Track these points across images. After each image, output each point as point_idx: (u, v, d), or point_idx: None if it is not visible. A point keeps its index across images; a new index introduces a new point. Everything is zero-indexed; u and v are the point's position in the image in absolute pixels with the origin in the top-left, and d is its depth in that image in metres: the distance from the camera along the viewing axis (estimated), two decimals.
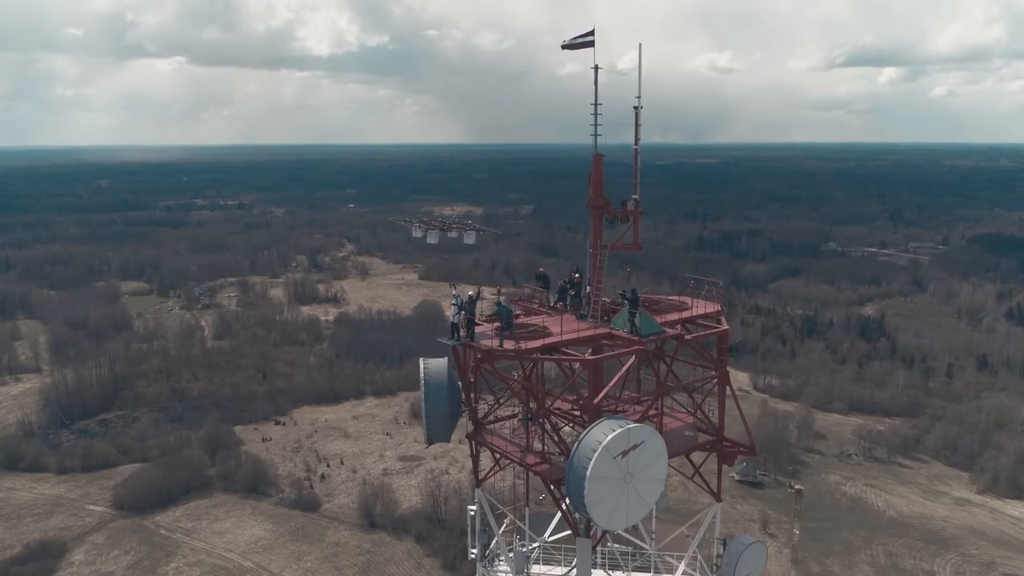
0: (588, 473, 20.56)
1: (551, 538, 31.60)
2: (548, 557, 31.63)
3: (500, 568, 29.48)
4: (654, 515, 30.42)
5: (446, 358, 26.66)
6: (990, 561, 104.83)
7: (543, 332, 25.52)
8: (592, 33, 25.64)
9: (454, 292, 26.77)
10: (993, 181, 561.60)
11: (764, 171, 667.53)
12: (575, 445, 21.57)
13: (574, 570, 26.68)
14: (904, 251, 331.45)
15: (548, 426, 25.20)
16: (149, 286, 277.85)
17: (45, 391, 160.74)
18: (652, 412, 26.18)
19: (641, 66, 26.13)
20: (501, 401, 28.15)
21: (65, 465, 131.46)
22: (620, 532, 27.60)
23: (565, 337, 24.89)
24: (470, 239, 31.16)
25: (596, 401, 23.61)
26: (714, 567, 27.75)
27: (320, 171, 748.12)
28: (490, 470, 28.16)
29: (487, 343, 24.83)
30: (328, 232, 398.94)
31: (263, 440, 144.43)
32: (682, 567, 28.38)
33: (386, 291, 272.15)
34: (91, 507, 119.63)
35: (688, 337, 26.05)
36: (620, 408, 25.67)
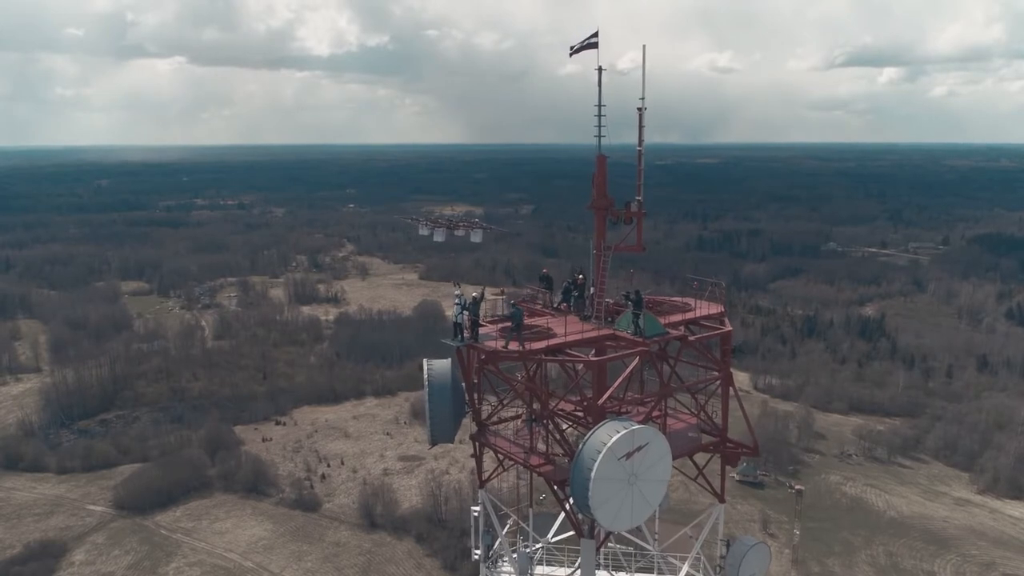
0: (593, 474, 20.58)
1: (554, 539, 31.59)
2: (551, 558, 31.62)
3: (503, 569, 29.50)
4: (657, 516, 30.44)
5: (450, 359, 26.66)
6: (990, 561, 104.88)
7: (547, 333, 25.53)
8: (596, 35, 25.66)
9: (457, 292, 26.74)
10: (993, 181, 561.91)
11: (764, 171, 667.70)
12: (580, 446, 21.58)
13: (578, 571, 26.69)
14: (904, 251, 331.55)
15: (552, 427, 25.20)
16: (149, 286, 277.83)
17: (45, 391, 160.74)
18: (656, 413, 26.19)
19: (643, 66, 26.11)
20: (504, 402, 28.15)
21: (65, 465, 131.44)
22: (623, 533, 27.60)
23: (569, 338, 24.90)
24: (477, 237, 31.16)
25: (600, 402, 23.61)
26: (717, 568, 27.76)
27: (320, 171, 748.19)
28: (493, 471, 28.15)
29: (491, 344, 24.83)
30: (328, 232, 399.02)
31: (263, 440, 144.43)
32: (686, 568, 28.38)
33: (386, 291, 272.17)
34: (91, 507, 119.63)
35: (692, 338, 26.06)
36: (624, 409, 25.68)
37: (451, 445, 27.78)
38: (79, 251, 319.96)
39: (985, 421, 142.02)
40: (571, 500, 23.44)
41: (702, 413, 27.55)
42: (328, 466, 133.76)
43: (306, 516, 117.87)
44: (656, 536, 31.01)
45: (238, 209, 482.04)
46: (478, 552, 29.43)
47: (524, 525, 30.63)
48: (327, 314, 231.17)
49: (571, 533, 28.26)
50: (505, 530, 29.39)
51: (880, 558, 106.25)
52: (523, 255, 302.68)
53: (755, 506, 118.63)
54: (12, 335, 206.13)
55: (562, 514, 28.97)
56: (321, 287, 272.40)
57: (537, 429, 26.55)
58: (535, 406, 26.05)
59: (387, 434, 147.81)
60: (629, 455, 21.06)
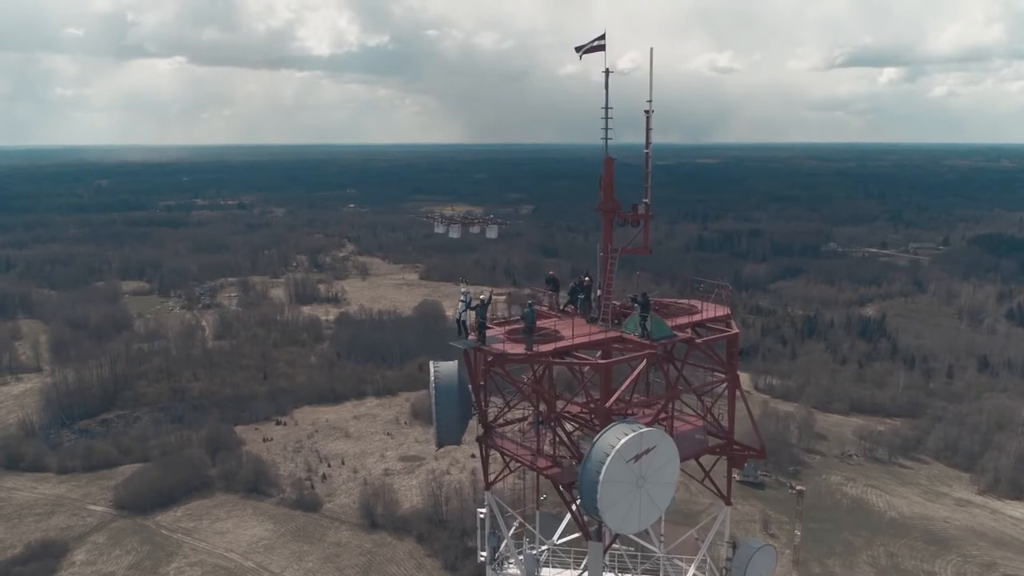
0: (601, 477, 20.58)
1: (559, 541, 31.59)
2: (557, 559, 31.61)
3: (509, 571, 29.49)
4: (663, 517, 30.42)
5: (456, 361, 26.66)
6: (991, 562, 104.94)
7: (554, 336, 25.53)
8: (603, 38, 25.63)
9: (464, 288, 26.71)
10: (993, 181, 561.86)
11: (764, 171, 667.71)
12: (588, 449, 21.58)
13: (584, 573, 26.69)
14: (904, 251, 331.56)
15: (559, 429, 25.20)
16: (149, 286, 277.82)
17: (46, 391, 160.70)
18: (662, 415, 26.20)
19: (650, 68, 26.02)
20: (511, 404, 28.14)
21: (66, 465, 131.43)
22: (629, 535, 27.58)
23: (577, 341, 24.89)
24: (492, 233, 31.23)
25: (608, 405, 23.61)
26: (723, 570, 27.76)
27: (320, 171, 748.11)
28: (499, 473, 28.15)
29: (498, 347, 24.83)
30: (328, 232, 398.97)
31: (264, 440, 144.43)
32: (692, 570, 28.37)
33: (387, 291, 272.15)
34: (92, 507, 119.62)
35: (699, 341, 26.06)
36: (630, 412, 25.69)
37: (451, 445, 27.75)
38: (79, 251, 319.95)
39: (986, 422, 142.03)
40: (578, 502, 23.44)
41: (708, 416, 27.55)
42: (329, 466, 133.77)
43: (307, 516, 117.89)
44: (662, 538, 31.01)
45: (238, 209, 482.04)
46: (484, 554, 29.43)
47: (530, 527, 30.61)
48: (327, 314, 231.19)
49: (576, 535, 28.24)
50: (511, 532, 29.37)
51: (881, 559, 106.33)
52: (523, 255, 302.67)
53: (756, 507, 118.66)
54: (13, 335, 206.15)
55: (568, 516, 28.95)
56: (321, 287, 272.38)
57: (543, 431, 26.55)
58: (542, 408, 26.04)
59: (388, 434, 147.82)
60: (637, 458, 21.07)
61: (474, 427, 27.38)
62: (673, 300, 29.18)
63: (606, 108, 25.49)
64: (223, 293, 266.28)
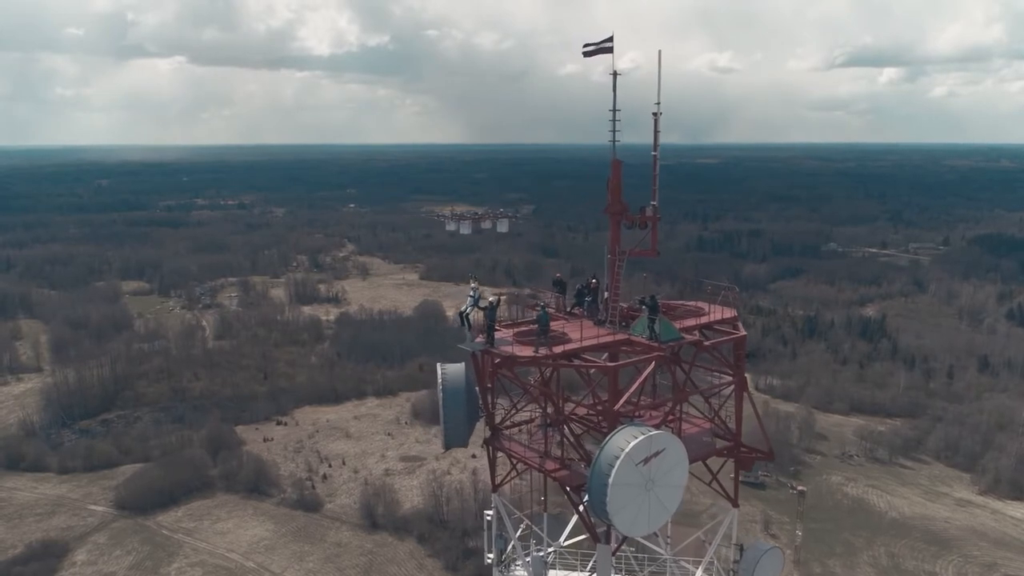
0: (611, 480, 20.55)
1: (566, 543, 31.58)
2: (563, 561, 31.60)
3: (516, 573, 29.48)
4: (669, 520, 30.39)
5: (463, 363, 26.64)
6: (992, 562, 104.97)
7: (562, 338, 25.52)
8: (611, 40, 25.59)
9: (473, 284, 26.75)
10: (993, 182, 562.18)
11: (764, 171, 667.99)
12: (597, 452, 21.56)
13: (592, 575, 26.67)
14: (905, 252, 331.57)
15: (567, 431, 25.18)
16: (150, 286, 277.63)
17: (46, 391, 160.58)
18: (670, 418, 26.18)
19: (658, 71, 25.98)
20: (519, 406, 28.12)
21: (67, 465, 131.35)
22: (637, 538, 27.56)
23: (585, 343, 24.88)
24: (503, 227, 31.45)
25: (617, 408, 23.58)
26: (731, 573, 27.73)
27: (320, 171, 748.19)
28: (506, 475, 28.13)
29: (507, 349, 24.81)
30: (328, 232, 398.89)
31: (264, 440, 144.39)
32: (699, 573, 28.34)
33: (387, 291, 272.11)
34: (93, 507, 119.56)
35: (707, 343, 26.03)
36: (637, 414, 25.66)
37: (459, 447, 27.72)
38: (79, 251, 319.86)
39: (986, 422, 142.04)
40: (585, 505, 23.42)
41: (716, 418, 27.52)
42: (329, 466, 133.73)
43: (308, 516, 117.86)
44: (668, 540, 31.00)
45: (238, 209, 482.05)
46: (491, 556, 29.41)
47: (538, 529, 30.58)
48: (328, 314, 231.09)
49: (582, 536, 28.22)
50: (518, 534, 29.35)
51: (882, 559, 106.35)
52: (523, 255, 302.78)
53: (756, 507, 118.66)
54: (13, 335, 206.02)
55: (574, 517, 28.93)
56: (322, 287, 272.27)
57: (551, 433, 26.54)
58: (549, 410, 26.02)
59: (388, 434, 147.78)
60: (646, 460, 21.05)
61: (480, 429, 27.35)
62: (681, 302, 29.17)
63: (614, 110, 25.45)
64: (223, 293, 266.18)
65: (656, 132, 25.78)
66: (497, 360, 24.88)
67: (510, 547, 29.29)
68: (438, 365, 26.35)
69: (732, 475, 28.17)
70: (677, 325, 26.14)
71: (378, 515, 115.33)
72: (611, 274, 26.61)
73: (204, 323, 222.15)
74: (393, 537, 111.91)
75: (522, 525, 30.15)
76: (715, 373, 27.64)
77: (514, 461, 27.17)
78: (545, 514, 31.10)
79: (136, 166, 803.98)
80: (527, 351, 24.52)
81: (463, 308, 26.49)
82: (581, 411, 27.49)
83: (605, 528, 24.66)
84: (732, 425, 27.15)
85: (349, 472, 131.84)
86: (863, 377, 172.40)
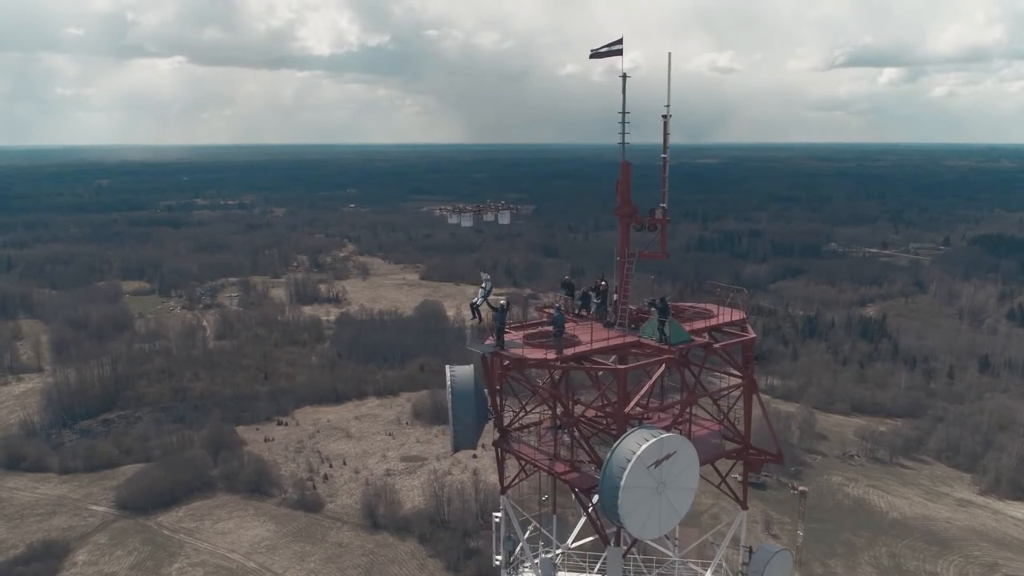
0: (622, 483, 20.55)
1: (574, 544, 31.57)
2: (571, 563, 31.59)
3: (525, 575, 29.46)
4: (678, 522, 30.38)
5: (472, 365, 26.65)
6: (992, 562, 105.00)
7: (572, 340, 25.51)
8: (620, 42, 25.56)
9: (486, 276, 26.83)
10: (994, 182, 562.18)
11: (764, 171, 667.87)
12: (608, 455, 21.55)
13: None
14: (905, 252, 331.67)
15: (577, 434, 25.17)
16: (150, 286, 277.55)
17: (47, 391, 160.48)
18: (680, 420, 26.18)
19: (668, 73, 25.89)
20: (528, 408, 28.12)
21: (67, 465, 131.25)
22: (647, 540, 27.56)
23: (595, 346, 24.87)
24: (505, 219, 31.49)
25: (627, 410, 23.57)
26: (739, 574, 27.72)
27: (320, 171, 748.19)
28: (515, 477, 28.12)
29: (516, 351, 24.81)
30: (329, 232, 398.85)
31: (265, 440, 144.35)
32: (708, 575, 28.35)
33: (387, 291, 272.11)
34: (94, 507, 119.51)
35: (716, 345, 26.03)
36: (647, 416, 25.66)
37: (468, 449, 27.69)
38: (80, 251, 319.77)
39: (987, 422, 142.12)
40: (595, 507, 23.41)
41: (725, 420, 27.51)
42: (330, 466, 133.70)
43: (309, 517, 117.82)
44: (677, 542, 31.00)
45: (239, 209, 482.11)
46: (499, 558, 29.41)
47: (546, 531, 30.58)
48: (328, 314, 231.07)
49: (590, 538, 28.20)
50: (526, 535, 29.35)
51: (883, 559, 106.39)
52: (523, 255, 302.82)
53: (757, 507, 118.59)
54: (13, 335, 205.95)
55: (582, 519, 28.92)
56: (322, 287, 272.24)
57: (560, 435, 26.53)
58: (559, 412, 26.01)
59: (389, 434, 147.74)
60: (658, 463, 21.06)
61: (490, 430, 27.35)
62: (690, 304, 29.18)
63: (623, 112, 25.44)
64: (224, 293, 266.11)
65: (666, 135, 25.76)
66: (506, 362, 24.87)
67: (518, 549, 29.29)
68: (447, 367, 26.35)
69: (739, 477, 28.16)
70: (686, 327, 26.16)
71: (379, 515, 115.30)
72: (620, 276, 26.60)
73: (205, 323, 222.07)
74: (394, 537, 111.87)
75: (530, 527, 30.13)
76: (722, 375, 27.62)
77: (523, 463, 27.17)
78: (554, 516, 31.09)
79: (136, 166, 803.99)
80: (537, 353, 24.52)
81: (474, 299, 26.66)
82: (590, 413, 27.48)
83: (615, 530, 24.67)
84: (741, 427, 27.15)
85: (350, 472, 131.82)
86: (864, 377, 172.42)
